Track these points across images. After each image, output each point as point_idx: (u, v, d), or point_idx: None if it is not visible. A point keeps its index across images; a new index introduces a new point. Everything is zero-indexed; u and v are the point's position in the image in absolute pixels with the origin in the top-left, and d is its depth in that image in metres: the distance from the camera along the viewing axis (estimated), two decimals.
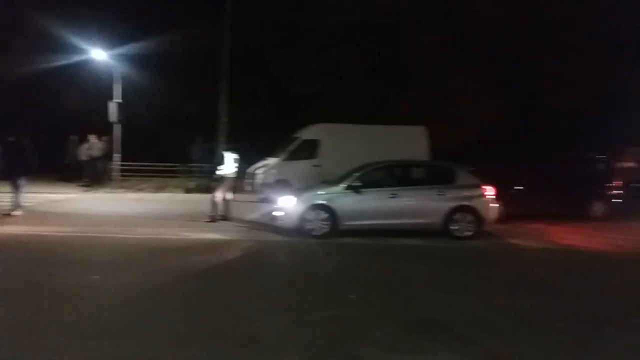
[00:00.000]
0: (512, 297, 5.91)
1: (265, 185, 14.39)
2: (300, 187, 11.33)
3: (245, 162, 12.99)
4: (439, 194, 9.67)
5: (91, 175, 18.64)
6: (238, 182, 12.62)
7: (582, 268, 7.87)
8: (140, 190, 18.29)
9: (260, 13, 23.11)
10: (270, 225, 10.32)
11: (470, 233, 9.61)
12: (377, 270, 7.28)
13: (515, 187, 12.42)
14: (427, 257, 8.40)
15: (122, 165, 19.53)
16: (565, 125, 22.02)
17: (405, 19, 21.93)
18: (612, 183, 13.69)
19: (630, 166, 25.35)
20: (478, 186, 9.80)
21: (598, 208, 13.05)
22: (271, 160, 15.07)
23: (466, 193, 9.70)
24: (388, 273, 7.11)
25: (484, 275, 7.20)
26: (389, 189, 9.62)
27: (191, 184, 18.52)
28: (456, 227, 9.62)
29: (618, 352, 4.37)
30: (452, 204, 9.59)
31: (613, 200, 13.39)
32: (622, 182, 14.40)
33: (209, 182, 12.72)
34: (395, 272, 7.16)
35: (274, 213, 10.09)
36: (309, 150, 14.89)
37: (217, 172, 11.14)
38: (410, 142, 14.63)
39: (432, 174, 10.57)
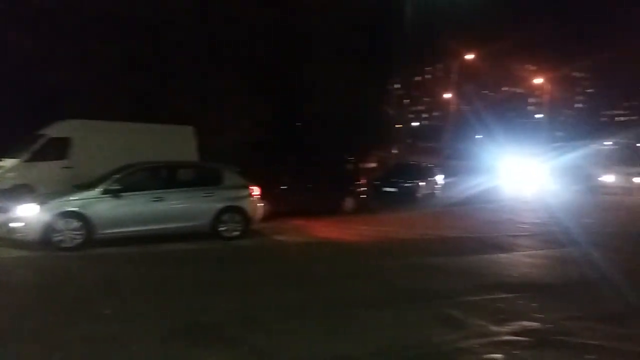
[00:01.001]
0: (277, 292, 6.12)
1: (0, 191, 11.99)
2: (46, 193, 9.76)
3: None
4: (207, 196, 9.51)
5: None
6: None
7: (337, 258, 8.69)
8: None
9: None
10: (6, 239, 8.56)
11: (238, 233, 9.68)
12: (138, 280, 6.69)
13: (280, 187, 13.14)
14: (194, 260, 8.18)
15: None
16: (323, 129, 24.50)
17: (166, 17, 21.15)
18: (358, 181, 15.74)
19: (372, 166, 29.86)
20: (245, 186, 9.98)
21: (348, 203, 14.77)
22: (8, 162, 12.63)
23: (234, 194, 9.77)
24: (151, 282, 6.60)
25: (251, 273, 7.31)
26: (153, 191, 9.01)
27: None
28: (224, 228, 9.58)
29: (368, 329, 4.86)
30: (220, 205, 9.53)
31: (360, 196, 15.40)
32: (366, 181, 16.76)
33: None
34: (159, 280, 6.70)
35: (11, 224, 8.46)
36: (57, 149, 12.92)
37: None
38: (177, 142, 14.07)
39: (200, 175, 10.43)
